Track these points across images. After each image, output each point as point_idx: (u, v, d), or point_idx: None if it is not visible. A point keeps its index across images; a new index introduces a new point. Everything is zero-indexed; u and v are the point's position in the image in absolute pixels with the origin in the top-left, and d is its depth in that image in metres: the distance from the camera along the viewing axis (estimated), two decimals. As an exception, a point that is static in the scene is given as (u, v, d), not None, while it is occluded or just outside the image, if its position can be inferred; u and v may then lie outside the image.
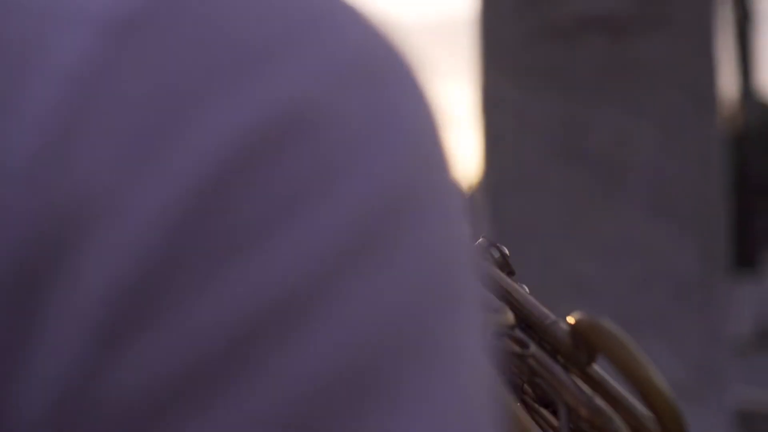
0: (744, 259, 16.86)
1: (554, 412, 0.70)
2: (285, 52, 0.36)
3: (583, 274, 3.29)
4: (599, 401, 0.67)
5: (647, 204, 3.30)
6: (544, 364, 0.70)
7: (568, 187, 3.32)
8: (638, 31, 3.32)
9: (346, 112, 0.36)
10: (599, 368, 0.69)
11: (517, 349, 0.69)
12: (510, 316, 0.71)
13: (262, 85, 0.36)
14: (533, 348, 0.70)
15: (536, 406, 0.70)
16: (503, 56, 3.44)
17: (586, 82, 3.33)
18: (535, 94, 3.38)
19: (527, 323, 0.73)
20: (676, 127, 3.31)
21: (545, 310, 0.73)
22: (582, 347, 0.68)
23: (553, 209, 3.33)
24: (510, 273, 0.77)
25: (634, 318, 3.24)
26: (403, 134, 0.38)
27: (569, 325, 0.70)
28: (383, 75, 0.38)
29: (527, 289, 0.76)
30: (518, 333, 0.71)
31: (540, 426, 0.70)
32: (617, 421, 0.67)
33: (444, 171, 0.39)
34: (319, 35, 0.37)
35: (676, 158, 3.31)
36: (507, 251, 0.75)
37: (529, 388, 0.70)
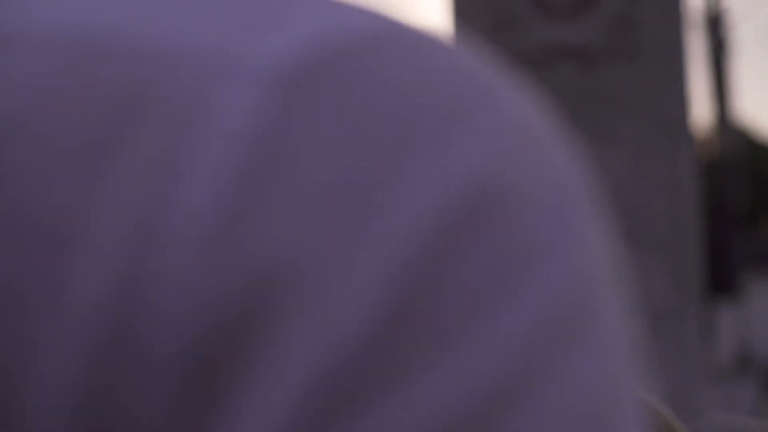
0: (722, 286, 16.90)
1: None
2: (466, 122, 0.35)
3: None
4: None
5: (621, 233, 3.30)
6: None
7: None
8: (608, 60, 3.33)
9: (531, 186, 0.35)
10: None
11: None
12: None
13: (454, 156, 0.34)
14: None
15: None
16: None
17: (557, 111, 3.34)
18: (507, 123, 3.38)
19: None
20: (647, 155, 3.32)
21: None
22: None
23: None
24: None
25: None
26: (575, 207, 0.37)
27: None
28: (545, 144, 0.37)
29: None
30: None
31: None
32: None
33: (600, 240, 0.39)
34: (491, 105, 0.36)
35: (647, 186, 3.31)
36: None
37: None
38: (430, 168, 0.33)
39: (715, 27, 17.19)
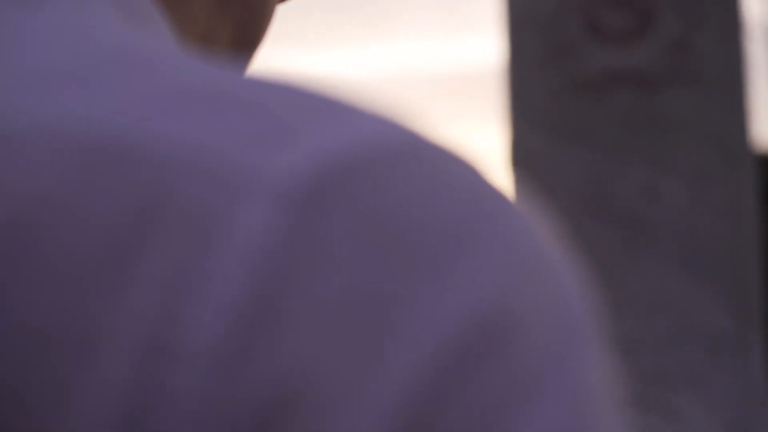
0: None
1: None
2: (474, 248, 0.36)
3: (614, 332, 3.26)
4: None
5: (678, 260, 3.27)
6: None
7: (597, 243, 3.30)
8: (666, 85, 3.30)
9: (534, 313, 0.36)
10: None
11: None
12: None
13: (461, 284, 0.35)
14: None
15: None
16: (531, 111, 3.43)
17: (614, 137, 3.32)
18: (563, 149, 3.37)
19: None
20: (706, 182, 3.28)
21: None
22: None
23: (582, 264, 3.31)
24: None
25: (668, 375, 3.21)
26: (578, 333, 0.38)
27: None
28: (551, 268, 0.39)
29: None
30: None
31: None
32: None
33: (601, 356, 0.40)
34: (499, 229, 0.37)
35: (707, 214, 3.28)
36: None
37: None
38: (438, 295, 0.35)
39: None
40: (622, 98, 3.31)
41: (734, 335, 3.26)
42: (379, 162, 0.36)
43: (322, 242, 0.34)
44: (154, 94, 0.36)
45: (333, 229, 0.34)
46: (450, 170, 0.37)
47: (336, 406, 0.32)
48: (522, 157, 3.43)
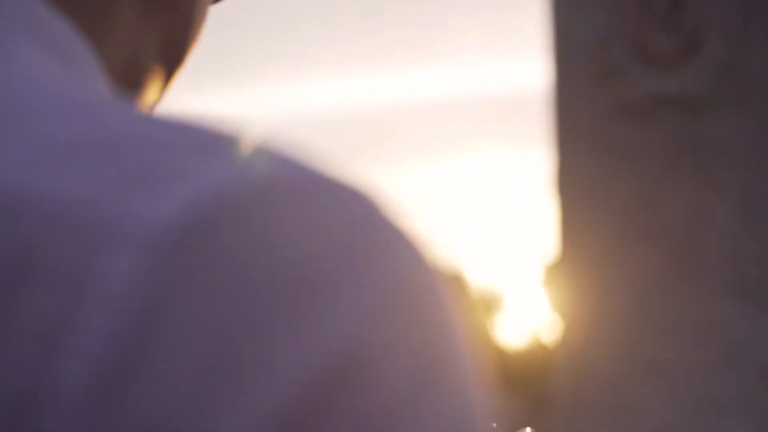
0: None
1: None
2: (338, 287, 0.37)
3: (663, 357, 3.23)
4: None
5: (728, 285, 3.25)
6: None
7: (646, 267, 3.28)
8: (713, 108, 3.28)
9: (392, 354, 0.37)
10: None
11: None
12: None
13: (325, 325, 0.36)
14: None
15: None
16: (577, 134, 3.42)
17: (661, 160, 3.30)
18: (611, 172, 3.35)
19: None
20: (754, 205, 3.26)
21: None
22: None
23: (630, 289, 3.29)
24: None
25: (718, 401, 3.18)
26: (452, 374, 0.39)
27: None
28: (426, 304, 0.39)
29: None
30: None
31: None
32: None
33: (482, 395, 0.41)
34: (361, 269, 0.37)
35: (755, 237, 3.25)
36: None
37: None
38: (293, 341, 0.36)
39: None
40: (669, 121, 3.30)
41: (785, 360, 3.23)
42: (246, 206, 0.36)
43: (185, 289, 0.35)
44: (36, 146, 0.36)
45: (197, 276, 0.35)
46: (325, 211, 0.38)
47: None
48: (569, 181, 3.41)
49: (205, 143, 0.38)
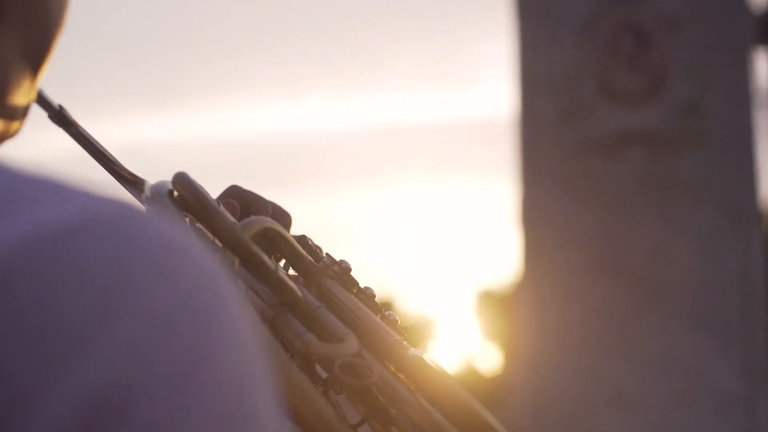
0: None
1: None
2: (91, 332, 0.42)
3: (625, 389, 3.27)
4: (439, 417, 0.73)
5: (688, 318, 3.30)
6: (389, 385, 0.75)
7: (609, 300, 3.32)
8: (677, 146, 3.34)
9: (153, 381, 0.42)
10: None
11: (364, 374, 0.74)
12: (354, 343, 0.75)
13: (74, 372, 0.41)
14: (377, 372, 0.75)
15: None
16: (543, 168, 3.46)
17: (625, 196, 3.35)
18: (575, 206, 3.39)
19: (371, 345, 0.77)
20: (716, 242, 3.31)
21: (388, 329, 0.79)
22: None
23: (593, 322, 3.33)
24: (354, 288, 0.82)
25: (679, 431, 3.22)
26: (209, 392, 0.43)
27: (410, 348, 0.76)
28: (188, 329, 0.44)
29: (372, 296, 0.80)
30: (363, 358, 0.75)
31: None
32: None
33: (264, 402, 0.45)
34: (129, 308, 0.42)
35: (717, 273, 3.31)
36: (350, 265, 0.80)
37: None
38: (59, 381, 0.41)
39: None
40: (633, 158, 3.35)
41: (743, 395, 3.28)
42: (34, 256, 0.42)
43: None
44: None
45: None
46: (96, 255, 0.43)
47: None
48: (533, 214, 3.45)
49: (11, 194, 0.43)
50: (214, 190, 0.81)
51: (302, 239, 0.84)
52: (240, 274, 0.75)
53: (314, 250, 0.84)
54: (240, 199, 0.83)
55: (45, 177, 0.45)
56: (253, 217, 0.78)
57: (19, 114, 0.60)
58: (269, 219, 0.78)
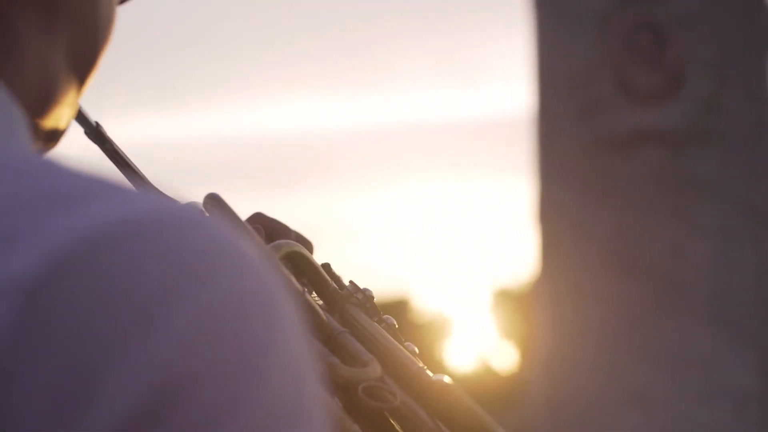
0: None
1: None
2: (155, 322, 0.43)
3: (640, 387, 3.27)
4: None
5: (704, 317, 3.30)
6: (411, 410, 0.75)
7: (626, 298, 3.32)
8: (694, 145, 3.34)
9: (212, 374, 0.44)
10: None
11: (387, 399, 0.75)
12: (377, 368, 0.76)
13: (141, 360, 0.43)
14: (400, 397, 0.76)
15: None
16: (559, 165, 3.46)
17: (641, 194, 3.35)
18: (592, 204, 3.40)
19: (394, 371, 0.78)
20: (732, 240, 3.31)
21: (410, 356, 0.80)
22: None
23: (610, 320, 3.33)
24: (376, 316, 0.84)
25: (695, 429, 3.22)
26: (268, 386, 0.45)
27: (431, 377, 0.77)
28: (243, 325, 0.45)
29: (394, 326, 0.81)
30: (386, 384, 0.76)
31: None
32: None
33: (314, 403, 0.47)
34: (184, 303, 0.44)
35: (733, 271, 3.31)
36: (373, 294, 0.81)
37: None
38: (121, 372, 0.43)
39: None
40: (650, 156, 3.35)
41: (758, 393, 3.28)
42: (88, 255, 0.43)
43: (39, 331, 0.43)
44: None
45: (49, 319, 0.43)
46: (153, 251, 0.44)
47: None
48: (550, 213, 3.46)
49: (62, 195, 0.45)
50: (216, 190, 0.82)
51: (326, 266, 0.86)
52: None
53: (338, 277, 0.85)
54: (264, 226, 0.86)
55: (98, 175, 0.46)
56: (282, 241, 0.80)
57: (63, 124, 0.61)
58: (296, 243, 0.80)
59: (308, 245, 0.87)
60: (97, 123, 0.78)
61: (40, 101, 0.57)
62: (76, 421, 0.42)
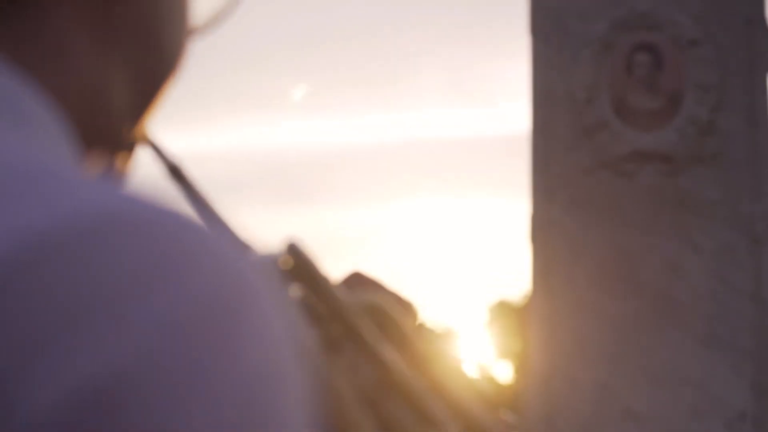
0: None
1: None
2: (116, 317, 0.42)
3: (636, 404, 3.30)
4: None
5: (700, 335, 3.32)
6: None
7: (622, 317, 3.35)
8: (691, 166, 3.37)
9: (175, 370, 0.42)
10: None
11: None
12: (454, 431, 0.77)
13: (85, 352, 0.42)
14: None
15: None
16: (558, 185, 3.48)
17: (639, 215, 3.38)
18: (590, 224, 3.42)
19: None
20: (729, 260, 3.34)
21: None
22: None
23: (606, 338, 3.35)
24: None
25: (687, 449, 3.24)
26: (235, 380, 0.43)
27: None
28: (222, 321, 0.43)
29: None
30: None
31: None
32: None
33: (291, 404, 0.44)
34: (142, 304, 0.42)
35: (729, 291, 3.33)
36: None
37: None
38: (52, 367, 0.42)
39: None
40: (648, 177, 3.38)
41: (752, 411, 3.30)
42: (49, 247, 0.43)
43: None
44: None
45: (3, 304, 0.42)
46: (121, 246, 0.43)
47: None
48: (545, 230, 3.48)
49: (17, 189, 0.44)
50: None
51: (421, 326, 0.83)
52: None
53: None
54: (361, 285, 0.86)
55: (70, 176, 0.45)
56: (367, 295, 0.77)
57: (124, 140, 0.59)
58: (382, 301, 0.76)
59: (407, 307, 0.86)
60: (177, 164, 0.77)
61: (92, 111, 0.55)
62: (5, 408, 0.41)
